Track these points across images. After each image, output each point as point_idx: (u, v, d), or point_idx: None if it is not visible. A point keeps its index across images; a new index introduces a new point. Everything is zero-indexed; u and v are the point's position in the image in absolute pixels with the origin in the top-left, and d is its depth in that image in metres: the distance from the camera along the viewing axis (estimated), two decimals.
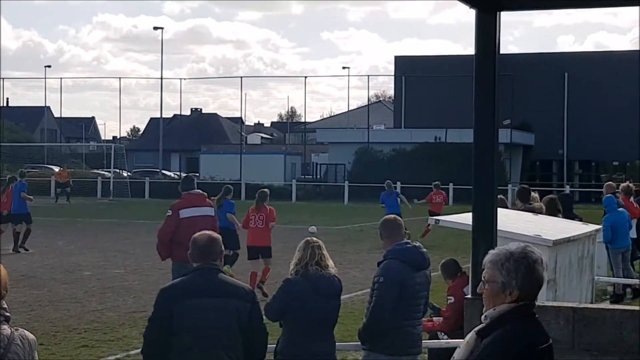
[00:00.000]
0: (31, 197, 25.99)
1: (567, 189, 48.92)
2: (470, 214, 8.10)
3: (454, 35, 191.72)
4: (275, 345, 7.08)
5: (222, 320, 6.00)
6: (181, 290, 6.10)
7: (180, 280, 6.26)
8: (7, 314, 4.53)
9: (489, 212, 7.62)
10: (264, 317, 6.47)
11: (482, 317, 3.98)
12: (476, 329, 3.99)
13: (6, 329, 4.47)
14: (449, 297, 10.23)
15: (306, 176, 65.41)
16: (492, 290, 3.94)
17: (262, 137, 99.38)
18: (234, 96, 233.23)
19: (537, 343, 3.90)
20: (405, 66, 68.85)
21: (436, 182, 31.11)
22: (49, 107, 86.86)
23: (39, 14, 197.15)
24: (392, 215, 7.91)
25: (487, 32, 7.52)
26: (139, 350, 6.41)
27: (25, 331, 4.59)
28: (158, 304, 6.09)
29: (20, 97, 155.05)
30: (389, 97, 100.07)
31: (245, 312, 6.06)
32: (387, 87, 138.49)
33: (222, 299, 6.03)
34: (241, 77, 69.08)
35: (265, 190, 19.03)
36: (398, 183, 51.09)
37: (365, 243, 26.82)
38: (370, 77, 77.44)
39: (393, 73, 71.88)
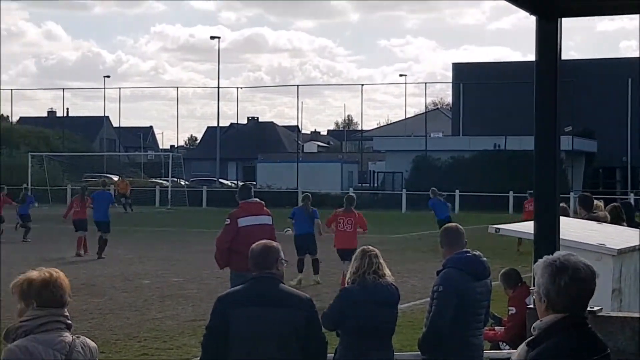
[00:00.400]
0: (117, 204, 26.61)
1: (632, 197, 48.19)
2: (531, 223, 7.98)
3: (513, 41, 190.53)
4: (333, 355, 7.04)
5: (277, 329, 5.98)
6: (236, 298, 6.10)
7: (236, 289, 6.27)
8: (69, 321, 4.57)
9: (550, 221, 7.50)
10: (322, 325, 6.42)
11: (532, 328, 3.90)
12: (527, 340, 3.92)
13: (68, 336, 4.51)
14: (510, 308, 10.10)
15: (363, 184, 65.30)
16: (536, 300, 3.88)
17: (318, 146, 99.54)
18: (290, 104, 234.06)
19: (584, 355, 3.78)
20: (464, 73, 68.51)
21: (530, 191, 30.74)
22: (108, 117, 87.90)
23: (98, 24, 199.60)
24: (454, 224, 7.82)
25: (547, 39, 7.41)
26: (198, 358, 6.41)
27: (87, 339, 4.62)
28: (214, 312, 6.12)
29: (80, 107, 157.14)
30: (447, 105, 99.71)
31: (301, 321, 6.02)
32: (444, 94, 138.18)
33: (277, 308, 6.00)
34: (297, 86, 69.24)
35: (352, 195, 20.31)
36: (456, 191, 50.89)
37: (423, 252, 26.66)
38: (427, 84, 77.07)
39: (451, 80, 71.57)
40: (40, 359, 4.33)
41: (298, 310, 6.04)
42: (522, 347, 3.91)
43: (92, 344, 4.63)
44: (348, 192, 55.94)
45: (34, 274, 4.55)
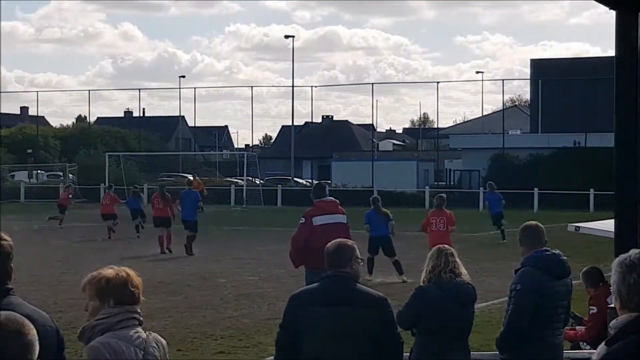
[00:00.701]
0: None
1: None
2: (612, 221, 7.80)
3: (592, 36, 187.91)
4: (409, 354, 6.97)
5: (349, 329, 5.93)
6: (307, 297, 6.08)
7: (308, 288, 6.28)
8: (141, 317, 4.58)
9: (631, 219, 7.33)
10: (397, 324, 6.36)
11: (609, 327, 3.80)
12: (606, 339, 3.82)
13: (142, 332, 4.52)
14: (591, 308, 9.90)
15: (439, 183, 64.89)
16: (613, 299, 3.79)
17: (394, 144, 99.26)
18: (365, 103, 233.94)
19: None
20: (542, 69, 67.68)
21: None
22: (183, 117, 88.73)
23: (173, 25, 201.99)
24: (534, 222, 7.67)
25: (627, 33, 7.25)
26: (274, 357, 6.40)
27: (157, 335, 4.62)
28: (286, 311, 6.13)
29: (156, 107, 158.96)
30: (525, 102, 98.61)
31: (373, 320, 5.96)
32: (522, 91, 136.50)
33: (349, 307, 5.95)
34: (372, 84, 69.18)
35: (443, 195, 20.72)
36: (535, 189, 50.28)
37: (502, 250, 26.36)
38: (504, 81, 76.38)
39: (529, 76, 70.74)
40: (123, 355, 4.34)
41: (371, 310, 5.98)
42: (602, 346, 3.83)
43: (162, 340, 4.64)
44: (424, 191, 55.91)
45: (109, 272, 4.54)
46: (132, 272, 4.59)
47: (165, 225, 26.48)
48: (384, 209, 20.63)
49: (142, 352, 4.42)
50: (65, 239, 30.52)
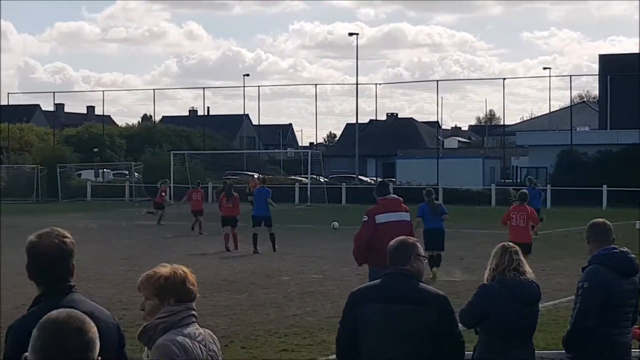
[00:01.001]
0: (275, 204, 28.07)
1: None
2: None
3: None
4: (472, 353, 6.88)
5: (407, 326, 5.86)
6: (366, 294, 6.04)
7: (368, 285, 6.26)
8: (197, 314, 4.57)
9: None
10: (460, 322, 6.28)
11: None
12: None
13: (200, 328, 4.52)
14: None
15: (506, 180, 64.31)
16: None
17: (459, 141, 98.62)
18: (430, 100, 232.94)
19: None
20: (611, 65, 66.67)
21: None
22: (247, 115, 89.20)
23: (238, 24, 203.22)
24: (601, 219, 7.54)
25: None
26: (335, 354, 6.35)
27: (210, 331, 4.61)
28: (345, 308, 6.10)
29: (221, 105, 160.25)
30: (593, 98, 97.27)
31: (433, 319, 5.88)
32: (590, 87, 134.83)
33: (407, 305, 5.89)
34: (437, 81, 68.58)
35: (525, 191, 20.77)
36: (604, 186, 49.55)
37: (569, 248, 25.99)
38: (572, 77, 75.38)
39: (597, 72, 69.74)
40: (192, 353, 4.35)
41: (430, 308, 5.90)
42: None
43: (214, 336, 4.64)
44: (490, 188, 55.47)
45: (166, 270, 4.53)
46: (187, 270, 4.58)
47: (232, 224, 26.68)
48: (437, 202, 20.67)
49: (205, 348, 4.44)
50: (130, 238, 30.80)
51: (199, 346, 4.41)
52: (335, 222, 30.99)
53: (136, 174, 64.95)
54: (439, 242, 20.41)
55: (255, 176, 57.46)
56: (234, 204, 27.26)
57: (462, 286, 17.86)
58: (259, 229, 26.03)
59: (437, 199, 18.65)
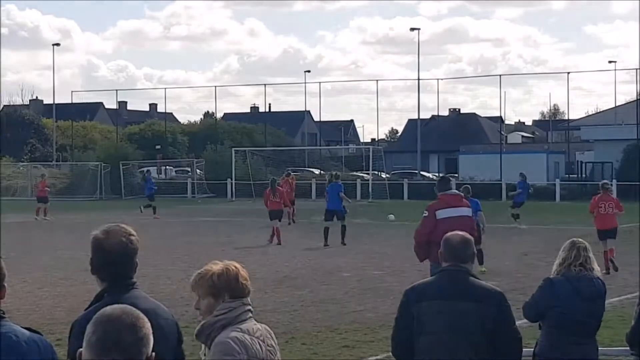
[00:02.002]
0: (349, 199, 29.62)
1: None
2: None
3: None
4: (534, 347, 6.79)
5: (463, 324, 5.78)
6: (422, 291, 5.97)
7: (424, 281, 6.17)
8: (252, 309, 4.54)
9: None
10: (523, 316, 6.19)
11: None
12: None
13: (257, 323, 4.50)
14: None
15: (570, 175, 63.57)
16: None
17: (522, 136, 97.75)
18: (493, 95, 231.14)
19: None
20: None
21: None
22: (309, 112, 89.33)
23: (299, 20, 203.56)
24: None
25: None
26: (391, 351, 6.30)
27: (265, 325, 4.60)
28: (401, 305, 6.04)
29: (282, 102, 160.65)
30: None
31: (490, 316, 5.78)
32: None
33: (464, 302, 5.81)
34: (500, 76, 68.00)
35: (607, 181, 23.97)
36: None
37: (635, 244, 25.58)
38: (638, 70, 73.89)
39: None
40: (251, 349, 4.34)
41: (486, 304, 5.81)
42: None
43: (270, 330, 4.62)
44: (554, 183, 54.88)
45: (217, 267, 4.53)
46: (239, 265, 4.57)
47: (279, 217, 27.67)
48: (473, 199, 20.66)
49: (263, 344, 4.42)
50: (194, 234, 31.00)
51: (258, 342, 4.39)
52: (391, 215, 31.22)
53: (198, 170, 65.40)
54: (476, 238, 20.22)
55: (317, 172, 57.56)
56: (281, 198, 28.20)
57: (526, 282, 17.65)
58: (331, 223, 26.89)
59: (472, 195, 19.21)
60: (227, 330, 4.36)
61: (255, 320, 4.53)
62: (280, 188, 29.27)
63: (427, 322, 5.81)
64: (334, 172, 33.50)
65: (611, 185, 26.05)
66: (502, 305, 5.86)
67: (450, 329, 5.77)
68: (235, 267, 4.51)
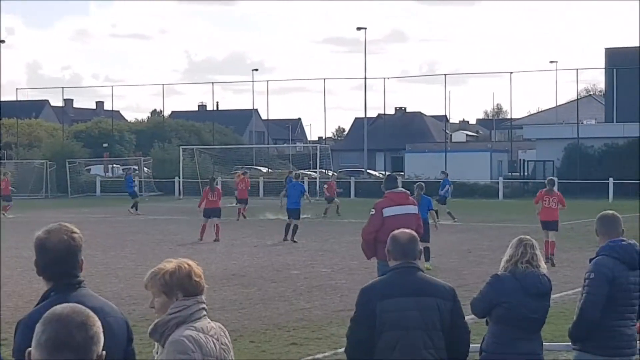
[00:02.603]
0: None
1: None
2: None
3: None
4: (480, 343, 6.93)
5: (424, 319, 5.94)
6: (382, 289, 6.05)
7: (380, 280, 6.25)
8: (206, 307, 4.59)
9: None
10: (471, 312, 6.33)
11: None
12: None
13: (210, 321, 4.54)
14: None
15: (513, 173, 64.28)
16: None
17: (467, 135, 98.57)
18: (437, 94, 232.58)
19: None
20: (617, 58, 66.49)
21: None
22: (256, 110, 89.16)
23: (246, 19, 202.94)
24: (610, 211, 7.58)
25: None
26: (346, 350, 6.37)
27: (220, 324, 4.63)
28: (359, 304, 6.09)
29: (230, 100, 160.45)
30: (600, 91, 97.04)
31: (446, 310, 5.99)
32: (597, 80, 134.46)
33: (423, 298, 5.97)
34: (445, 75, 68.55)
35: (553, 178, 24.87)
36: (610, 179, 49.52)
37: (576, 241, 26.05)
38: (579, 70, 75.03)
39: (603, 66, 69.60)
40: (205, 347, 4.37)
41: (443, 300, 6.01)
42: None
43: (224, 328, 4.66)
44: (497, 182, 55.42)
45: (170, 265, 4.54)
46: (193, 263, 4.59)
47: (216, 215, 28.06)
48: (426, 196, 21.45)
49: (217, 342, 4.45)
50: (141, 232, 30.89)
51: (212, 340, 4.42)
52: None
53: (145, 169, 65.01)
54: (425, 234, 20.32)
55: (264, 170, 57.54)
56: (217, 197, 28.61)
57: (470, 278, 17.91)
58: (293, 221, 27.67)
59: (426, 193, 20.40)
60: (181, 329, 4.38)
61: (210, 318, 4.59)
62: (218, 188, 29.94)
63: (393, 319, 5.91)
64: (296, 172, 34.43)
65: (545, 179, 27.83)
66: (456, 300, 6.08)
67: (410, 325, 5.91)
68: (189, 265, 4.54)
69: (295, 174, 32.72)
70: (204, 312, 4.52)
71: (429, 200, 21.08)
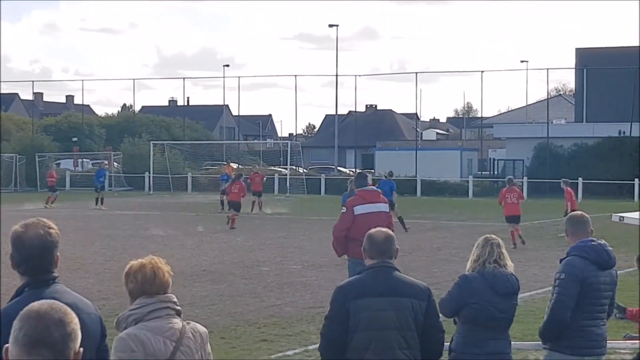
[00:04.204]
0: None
1: None
2: None
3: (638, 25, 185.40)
4: (449, 343, 6.97)
5: (398, 319, 5.97)
6: (357, 288, 6.06)
7: (356, 279, 6.23)
8: (178, 307, 4.60)
9: None
10: (440, 312, 6.37)
11: None
12: None
13: (178, 322, 4.53)
14: None
15: (483, 172, 64.58)
16: None
17: (437, 133, 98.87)
18: (408, 92, 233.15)
19: None
20: (587, 58, 66.92)
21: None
22: (227, 106, 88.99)
23: (218, 15, 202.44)
24: (579, 211, 7.64)
25: None
26: (317, 346, 6.40)
27: (197, 324, 4.64)
28: (334, 302, 6.09)
29: (201, 96, 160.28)
30: (570, 91, 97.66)
31: (421, 310, 6.02)
32: (567, 80, 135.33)
33: (398, 298, 6.00)
34: (416, 73, 68.59)
35: (511, 176, 28.36)
36: (579, 179, 49.84)
37: (545, 240, 26.21)
38: (549, 70, 75.47)
39: (574, 66, 70.01)
40: (150, 347, 4.37)
41: (417, 300, 6.03)
42: None
43: (202, 329, 4.65)
44: (467, 180, 55.65)
45: (136, 263, 4.59)
46: (159, 261, 4.61)
47: (237, 208, 30.95)
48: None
49: (174, 343, 4.43)
50: (112, 228, 30.77)
51: (164, 341, 4.41)
52: None
53: (115, 163, 64.70)
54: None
55: (235, 166, 57.43)
56: (239, 190, 31.13)
57: (441, 277, 17.99)
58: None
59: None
60: (134, 327, 4.42)
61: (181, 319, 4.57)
62: (241, 182, 31.95)
63: (367, 318, 5.93)
64: (231, 166, 36.47)
65: (514, 178, 29.75)
66: (431, 299, 6.10)
67: (385, 324, 5.93)
68: (154, 263, 4.57)
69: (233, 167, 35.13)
70: (169, 312, 4.52)
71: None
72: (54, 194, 42.30)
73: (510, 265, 6.97)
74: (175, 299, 4.59)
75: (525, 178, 52.88)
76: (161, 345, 4.39)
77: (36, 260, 4.50)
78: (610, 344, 8.01)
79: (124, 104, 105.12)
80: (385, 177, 28.77)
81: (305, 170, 64.17)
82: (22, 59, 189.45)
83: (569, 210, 26.86)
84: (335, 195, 46.88)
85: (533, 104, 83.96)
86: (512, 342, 7.16)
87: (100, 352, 4.54)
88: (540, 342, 7.51)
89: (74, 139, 71.04)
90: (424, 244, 25.41)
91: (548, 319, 7.21)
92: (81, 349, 3.01)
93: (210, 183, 56.31)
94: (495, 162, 64.97)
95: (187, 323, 4.59)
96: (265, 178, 41.69)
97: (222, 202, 37.56)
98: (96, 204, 40.71)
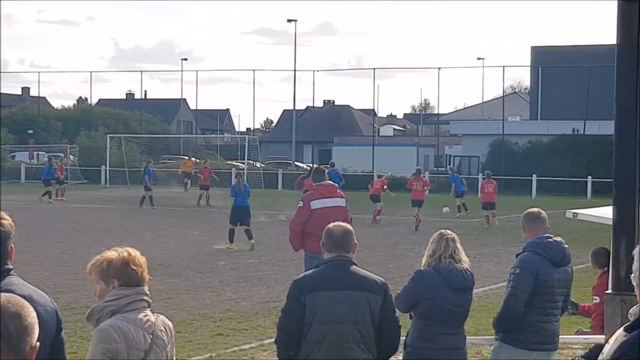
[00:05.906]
0: None
1: None
2: (609, 208, 7.84)
3: (593, 24, 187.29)
4: (405, 337, 7.02)
5: (354, 313, 6.01)
6: (313, 282, 6.10)
7: (313, 272, 6.26)
8: (150, 299, 4.59)
9: (630, 206, 7.35)
10: (395, 307, 6.42)
11: (628, 314, 3.78)
12: (624, 325, 3.80)
13: (150, 314, 4.54)
14: (594, 297, 9.90)
15: (439, 168, 64.93)
16: (634, 285, 3.74)
17: (394, 129, 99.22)
18: (366, 88, 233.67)
19: None
20: (542, 56, 67.55)
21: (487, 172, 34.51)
22: (185, 100, 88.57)
23: (176, 7, 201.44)
24: (536, 208, 7.73)
25: (629, 22, 7.26)
26: (273, 339, 6.44)
27: (165, 318, 4.65)
28: (290, 295, 6.12)
29: (158, 89, 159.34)
30: (525, 89, 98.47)
31: (377, 305, 6.05)
32: (522, 78, 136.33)
33: (354, 292, 6.03)
34: (374, 69, 68.87)
35: (420, 167, 31.85)
36: (534, 176, 50.32)
37: (500, 236, 26.44)
38: (505, 68, 76.02)
39: (529, 64, 70.61)
40: (132, 340, 4.36)
41: (374, 294, 6.07)
42: (620, 332, 3.81)
43: (169, 322, 4.68)
44: (424, 176, 55.83)
45: (112, 254, 4.56)
46: (134, 252, 4.60)
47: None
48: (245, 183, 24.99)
49: (151, 336, 4.45)
50: (67, 221, 30.56)
51: (143, 333, 4.42)
52: (446, 207, 35.01)
53: (71, 156, 64.18)
54: (247, 217, 23.63)
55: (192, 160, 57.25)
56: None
57: (396, 272, 18.09)
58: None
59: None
60: (113, 318, 4.39)
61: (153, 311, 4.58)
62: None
63: (323, 312, 5.97)
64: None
65: (422, 169, 34.82)
66: (387, 294, 6.14)
67: (341, 318, 5.97)
68: (128, 254, 4.56)
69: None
70: (144, 304, 4.53)
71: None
72: (61, 186, 43.11)
73: (465, 261, 7.02)
74: (148, 292, 4.59)
75: (480, 175, 53.20)
76: (141, 337, 4.40)
77: None
78: (562, 338, 8.13)
79: (81, 97, 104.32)
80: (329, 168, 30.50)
81: (262, 165, 64.10)
82: None
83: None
84: (293, 190, 46.94)
85: (489, 101, 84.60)
86: (466, 337, 7.23)
87: (56, 345, 4.46)
88: (492, 337, 7.60)
89: (30, 132, 70.44)
90: (380, 239, 25.52)
91: (501, 312, 7.32)
92: (38, 343, 2.99)
93: (167, 177, 56.04)
94: (452, 158, 65.37)
95: (157, 316, 4.61)
96: (213, 173, 42.84)
97: (149, 198, 36.68)
98: (45, 195, 40.65)
